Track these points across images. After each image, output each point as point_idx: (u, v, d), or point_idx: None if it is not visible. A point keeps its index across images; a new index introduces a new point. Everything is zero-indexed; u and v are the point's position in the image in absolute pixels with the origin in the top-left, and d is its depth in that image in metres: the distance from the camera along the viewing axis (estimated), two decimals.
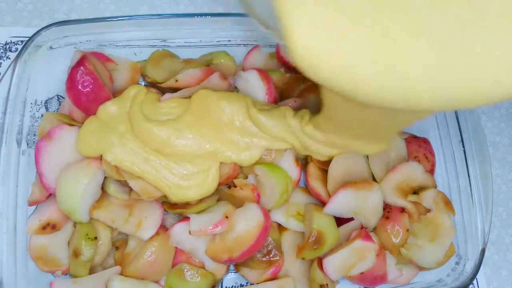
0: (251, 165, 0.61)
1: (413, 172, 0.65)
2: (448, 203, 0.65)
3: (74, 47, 0.66)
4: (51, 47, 0.65)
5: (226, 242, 0.59)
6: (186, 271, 0.60)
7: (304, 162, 0.67)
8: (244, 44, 0.72)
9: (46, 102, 0.67)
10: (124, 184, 0.62)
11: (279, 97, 0.68)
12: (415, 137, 0.70)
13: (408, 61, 0.34)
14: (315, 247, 0.59)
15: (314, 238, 0.59)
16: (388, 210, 0.64)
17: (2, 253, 0.58)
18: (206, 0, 0.79)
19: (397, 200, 0.63)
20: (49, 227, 0.61)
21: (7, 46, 0.74)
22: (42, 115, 0.65)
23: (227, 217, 0.59)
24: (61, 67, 0.65)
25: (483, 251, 0.62)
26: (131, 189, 0.61)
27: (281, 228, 0.65)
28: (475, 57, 0.34)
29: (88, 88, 0.60)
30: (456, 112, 0.68)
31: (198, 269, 0.60)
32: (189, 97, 0.62)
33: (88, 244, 0.58)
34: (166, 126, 0.59)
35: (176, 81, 0.63)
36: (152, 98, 0.62)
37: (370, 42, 0.34)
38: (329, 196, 0.62)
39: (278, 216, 0.63)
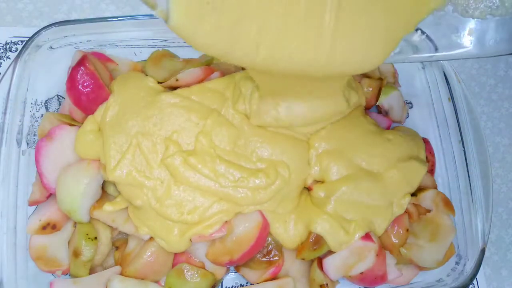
0: None
1: None
2: (448, 204, 0.65)
3: (74, 47, 0.66)
4: (51, 47, 0.65)
5: (226, 244, 0.59)
6: (186, 271, 0.60)
7: None
8: None
9: (46, 102, 0.67)
10: None
11: None
12: None
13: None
14: (315, 247, 0.59)
15: (313, 239, 0.59)
16: None
17: (2, 253, 0.58)
18: None
19: None
20: (49, 227, 0.61)
21: (7, 46, 0.74)
22: (42, 115, 0.65)
23: (226, 221, 0.59)
24: (61, 67, 0.65)
25: (483, 251, 0.62)
26: None
27: None
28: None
29: (89, 88, 0.60)
30: (456, 112, 0.68)
31: (198, 269, 0.60)
32: None
33: (88, 244, 0.59)
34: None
35: (177, 80, 0.63)
36: None
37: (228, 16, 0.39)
38: None
39: None
